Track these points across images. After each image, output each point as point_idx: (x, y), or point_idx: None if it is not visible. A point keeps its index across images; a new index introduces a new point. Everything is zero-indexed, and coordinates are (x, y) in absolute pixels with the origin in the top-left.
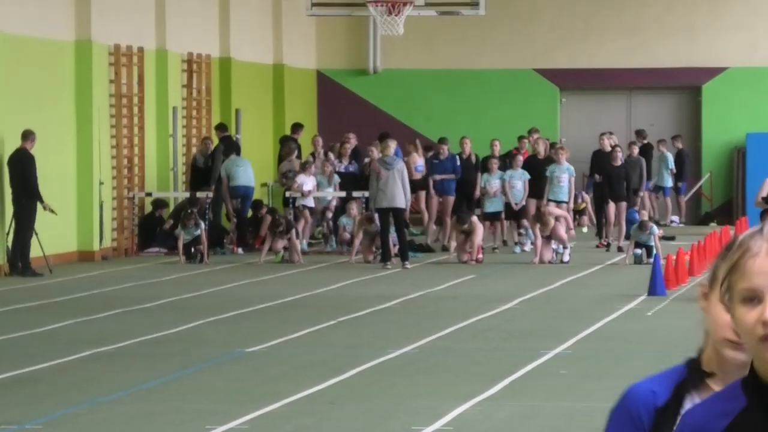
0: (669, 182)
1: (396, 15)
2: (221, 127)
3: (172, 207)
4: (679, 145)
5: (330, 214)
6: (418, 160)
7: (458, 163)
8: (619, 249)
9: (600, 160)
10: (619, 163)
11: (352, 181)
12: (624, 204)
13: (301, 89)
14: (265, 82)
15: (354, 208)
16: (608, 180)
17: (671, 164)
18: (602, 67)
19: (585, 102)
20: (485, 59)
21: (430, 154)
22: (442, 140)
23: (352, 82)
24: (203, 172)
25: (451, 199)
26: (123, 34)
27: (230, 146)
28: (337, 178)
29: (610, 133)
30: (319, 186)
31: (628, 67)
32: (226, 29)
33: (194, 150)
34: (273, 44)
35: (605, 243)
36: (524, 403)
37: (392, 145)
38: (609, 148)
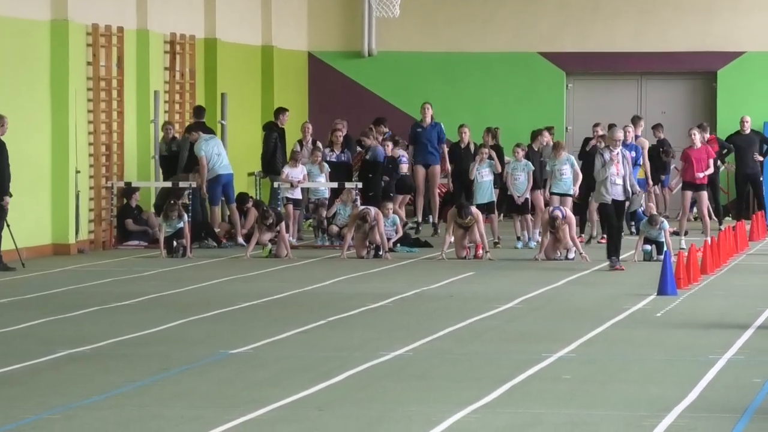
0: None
1: None
2: (198, 112)
3: (152, 195)
4: (661, 135)
5: (324, 211)
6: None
7: (444, 132)
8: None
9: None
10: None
11: (345, 171)
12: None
13: (291, 72)
14: (253, 64)
15: (351, 194)
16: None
17: None
18: (611, 50)
19: (593, 88)
20: (487, 42)
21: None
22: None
23: (345, 65)
24: (167, 159)
25: (437, 168)
26: (102, 13)
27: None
28: (327, 168)
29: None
30: (309, 175)
31: (639, 51)
32: (212, 8)
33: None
34: (261, 24)
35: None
36: (525, 409)
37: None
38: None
